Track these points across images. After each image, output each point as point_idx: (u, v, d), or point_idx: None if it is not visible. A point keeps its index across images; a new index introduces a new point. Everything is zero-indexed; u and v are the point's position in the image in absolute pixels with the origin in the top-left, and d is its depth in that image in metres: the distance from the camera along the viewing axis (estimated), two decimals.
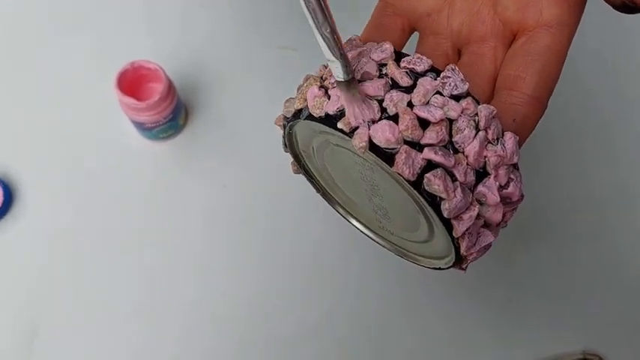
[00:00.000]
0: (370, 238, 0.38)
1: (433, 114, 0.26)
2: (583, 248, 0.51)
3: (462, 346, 0.48)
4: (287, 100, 0.32)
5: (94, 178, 0.51)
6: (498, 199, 0.28)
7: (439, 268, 0.33)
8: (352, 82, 0.26)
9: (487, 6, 0.32)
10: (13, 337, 0.47)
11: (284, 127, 0.33)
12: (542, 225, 0.52)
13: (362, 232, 0.38)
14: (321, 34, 0.25)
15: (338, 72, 0.26)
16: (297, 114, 0.30)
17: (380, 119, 0.27)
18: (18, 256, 0.49)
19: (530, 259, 0.51)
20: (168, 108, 0.48)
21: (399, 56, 0.28)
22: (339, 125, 0.27)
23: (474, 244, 0.29)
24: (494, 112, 0.28)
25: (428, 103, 0.27)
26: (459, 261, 0.30)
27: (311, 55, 0.55)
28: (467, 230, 0.28)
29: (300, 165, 0.37)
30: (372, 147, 0.27)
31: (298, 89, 0.31)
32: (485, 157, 0.27)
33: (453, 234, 0.28)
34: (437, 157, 0.26)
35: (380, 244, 0.37)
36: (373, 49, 0.28)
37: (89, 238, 0.50)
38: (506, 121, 0.29)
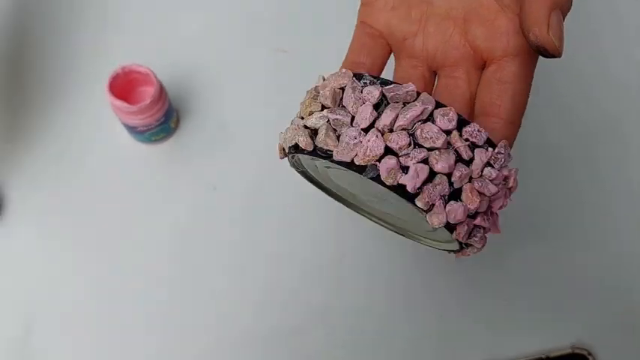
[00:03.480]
0: (395, 232, 0.40)
1: (490, 190, 0.30)
2: (571, 244, 0.52)
3: (451, 340, 0.49)
4: (295, 130, 0.32)
5: (87, 181, 0.51)
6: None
7: (441, 250, 0.36)
8: None
9: (458, 33, 0.34)
10: (7, 337, 0.47)
11: (290, 156, 0.34)
12: (531, 222, 0.52)
13: (386, 227, 0.40)
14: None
15: None
16: (326, 154, 0.30)
17: (449, 195, 0.29)
18: (12, 258, 0.49)
19: (519, 255, 0.51)
20: (159, 111, 0.48)
21: (460, 123, 0.30)
22: (418, 204, 0.28)
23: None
24: (517, 170, 0.32)
25: (482, 174, 0.30)
26: (461, 249, 0.33)
27: (303, 57, 0.56)
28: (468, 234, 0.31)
29: (310, 178, 0.38)
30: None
31: (302, 105, 0.32)
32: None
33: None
34: (485, 224, 0.30)
35: (389, 229, 0.40)
36: (438, 114, 0.29)
37: (82, 240, 0.50)
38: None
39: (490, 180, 0.30)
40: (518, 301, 0.50)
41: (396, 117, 0.29)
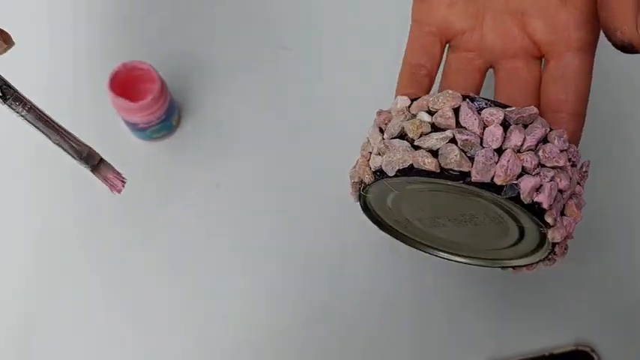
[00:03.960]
0: (466, 263, 0.40)
1: (580, 205, 0.33)
2: (575, 242, 0.52)
3: (454, 338, 0.49)
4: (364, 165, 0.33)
5: (87, 178, 0.51)
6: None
7: (536, 263, 0.36)
8: (101, 163, 0.34)
9: (516, 26, 0.35)
10: (9, 336, 0.47)
11: (362, 193, 0.35)
12: None
13: (458, 261, 0.41)
14: (58, 144, 0.32)
15: (84, 164, 0.33)
16: (459, 176, 0.30)
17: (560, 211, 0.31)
18: (14, 255, 0.49)
19: None
20: (161, 108, 0.48)
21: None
22: (548, 220, 0.30)
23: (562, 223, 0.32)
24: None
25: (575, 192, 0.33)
26: (553, 248, 0.33)
27: (306, 56, 0.56)
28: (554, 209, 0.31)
29: (379, 222, 0.39)
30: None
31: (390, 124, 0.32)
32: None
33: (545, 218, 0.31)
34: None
35: (477, 265, 0.40)
36: (555, 135, 0.31)
37: (83, 238, 0.50)
38: None
39: (580, 195, 0.33)
40: (522, 298, 0.50)
41: (525, 138, 0.30)
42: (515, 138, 0.30)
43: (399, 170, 0.31)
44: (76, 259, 0.49)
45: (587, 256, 0.52)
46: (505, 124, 0.30)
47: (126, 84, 0.48)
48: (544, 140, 0.31)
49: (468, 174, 0.29)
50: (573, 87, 0.33)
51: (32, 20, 0.55)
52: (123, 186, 0.33)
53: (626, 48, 0.30)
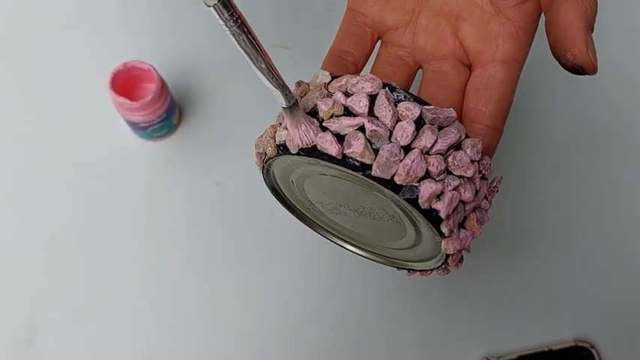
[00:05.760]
0: (361, 255, 0.39)
1: (484, 220, 0.31)
2: (575, 239, 0.52)
3: (454, 334, 0.49)
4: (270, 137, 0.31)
5: (89, 178, 0.51)
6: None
7: (430, 270, 0.35)
8: (294, 107, 0.28)
9: (449, 28, 0.34)
10: (11, 336, 0.47)
11: (265, 165, 0.33)
12: (536, 218, 0.52)
13: (353, 252, 0.39)
14: (259, 69, 0.26)
15: (280, 100, 0.28)
16: (361, 167, 0.28)
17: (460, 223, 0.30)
18: (16, 255, 0.49)
19: (523, 249, 0.51)
20: (161, 107, 0.48)
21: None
22: (443, 230, 0.29)
23: (459, 235, 0.30)
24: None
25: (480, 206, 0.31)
26: (447, 258, 0.32)
27: (305, 54, 0.56)
28: (452, 220, 0.29)
29: (282, 199, 0.37)
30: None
31: (304, 99, 0.31)
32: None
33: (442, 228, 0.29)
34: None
35: (371, 260, 0.39)
36: (469, 144, 0.29)
37: (85, 238, 0.50)
38: None
39: (485, 210, 0.31)
40: (522, 293, 0.50)
41: (436, 140, 0.28)
42: (426, 138, 0.28)
43: (301, 149, 0.29)
44: (76, 258, 0.49)
45: (587, 252, 0.52)
46: (419, 122, 0.28)
47: (127, 83, 0.48)
48: (457, 147, 0.29)
49: (369, 167, 0.28)
50: (495, 99, 0.32)
51: (34, 19, 0.56)
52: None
53: (576, 70, 0.29)
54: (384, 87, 0.29)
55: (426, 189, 0.28)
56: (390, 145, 0.28)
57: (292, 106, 0.28)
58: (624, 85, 0.56)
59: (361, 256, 0.39)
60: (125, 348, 0.48)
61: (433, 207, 0.28)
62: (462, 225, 0.30)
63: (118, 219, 0.51)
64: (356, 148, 0.27)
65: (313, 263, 0.50)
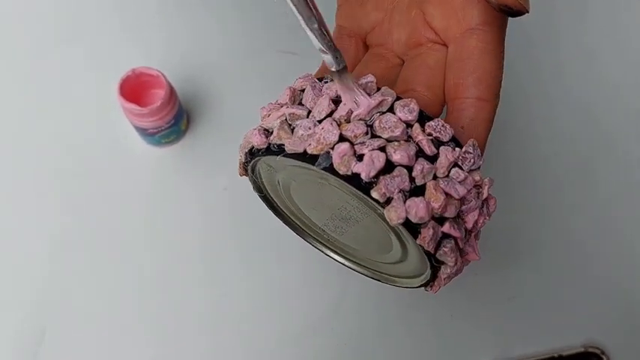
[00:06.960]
0: (346, 266, 0.39)
1: (457, 191, 0.27)
2: (583, 243, 0.52)
3: (462, 339, 0.49)
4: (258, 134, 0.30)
5: (98, 184, 0.52)
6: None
7: (414, 287, 0.34)
8: (344, 71, 0.27)
9: (419, 16, 0.33)
10: (18, 342, 0.48)
11: (247, 163, 0.32)
12: (543, 222, 0.52)
13: (338, 261, 0.39)
14: (310, 29, 0.26)
15: (330, 63, 0.27)
16: (279, 149, 0.28)
17: (411, 191, 0.26)
18: (22, 261, 0.50)
19: (531, 253, 0.51)
20: (170, 113, 0.49)
21: (422, 117, 0.28)
22: (374, 195, 0.26)
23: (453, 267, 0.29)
24: (491, 181, 0.29)
25: (448, 175, 0.27)
26: (433, 278, 0.31)
27: (312, 59, 0.56)
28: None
29: (267, 200, 0.37)
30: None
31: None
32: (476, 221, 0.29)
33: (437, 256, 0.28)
34: (454, 232, 0.27)
35: (356, 271, 0.38)
36: (399, 105, 0.28)
37: (93, 243, 0.50)
38: (456, 129, 0.29)
39: (458, 182, 0.27)
40: (531, 299, 0.50)
41: (355, 107, 0.27)
42: (343, 108, 0.27)
43: (246, 153, 0.30)
44: (85, 262, 0.50)
45: (597, 257, 0.51)
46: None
47: (135, 89, 0.48)
48: (387, 112, 0.27)
49: (284, 145, 0.27)
50: (471, 68, 0.30)
51: (42, 26, 0.56)
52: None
53: (504, 10, 0.28)
54: (314, 77, 0.30)
55: (336, 150, 0.26)
56: (303, 121, 0.27)
57: (341, 70, 0.27)
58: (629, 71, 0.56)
59: (349, 267, 0.38)
60: (128, 352, 0.48)
61: (354, 171, 0.26)
62: (414, 194, 0.27)
63: (126, 224, 0.51)
64: (275, 133, 0.28)
65: (321, 269, 0.50)
